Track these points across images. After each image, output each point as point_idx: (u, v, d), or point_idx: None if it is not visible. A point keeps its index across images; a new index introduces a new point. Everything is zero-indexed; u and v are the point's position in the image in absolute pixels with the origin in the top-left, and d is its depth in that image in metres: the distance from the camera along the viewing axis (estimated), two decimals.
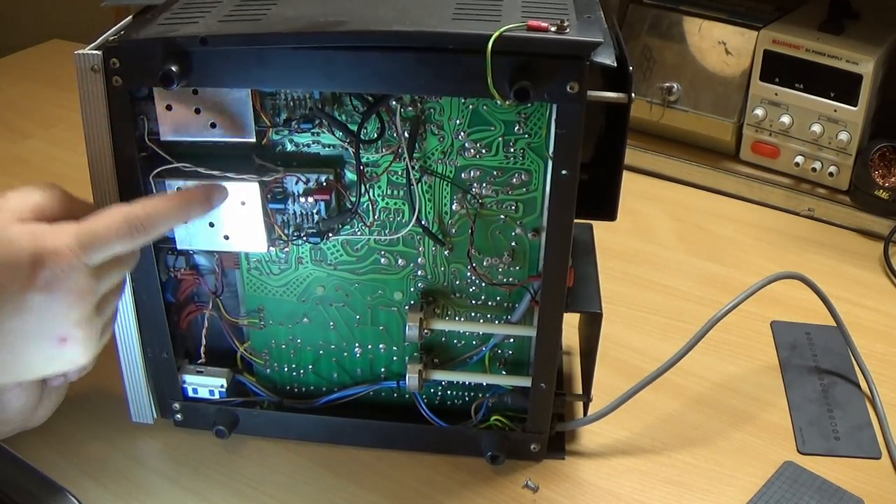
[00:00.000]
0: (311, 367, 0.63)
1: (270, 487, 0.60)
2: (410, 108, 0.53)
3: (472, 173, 0.55)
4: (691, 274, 0.84)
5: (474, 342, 0.61)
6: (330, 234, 0.57)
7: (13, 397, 0.56)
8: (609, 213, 0.57)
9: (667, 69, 0.99)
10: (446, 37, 0.48)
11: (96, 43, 0.51)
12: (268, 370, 0.63)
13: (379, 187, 0.56)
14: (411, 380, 0.59)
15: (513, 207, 0.56)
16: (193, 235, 0.56)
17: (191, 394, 0.63)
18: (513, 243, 0.57)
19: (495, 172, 0.55)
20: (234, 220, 0.56)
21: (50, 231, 0.48)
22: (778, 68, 0.92)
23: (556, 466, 0.62)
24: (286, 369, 0.63)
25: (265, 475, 0.61)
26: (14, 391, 0.56)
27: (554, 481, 0.61)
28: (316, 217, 0.57)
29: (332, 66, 0.49)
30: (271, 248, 0.58)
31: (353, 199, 0.56)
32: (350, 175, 0.56)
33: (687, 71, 0.98)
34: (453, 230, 0.57)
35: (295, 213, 0.56)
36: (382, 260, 0.58)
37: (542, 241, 0.56)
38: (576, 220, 0.53)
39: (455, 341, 0.61)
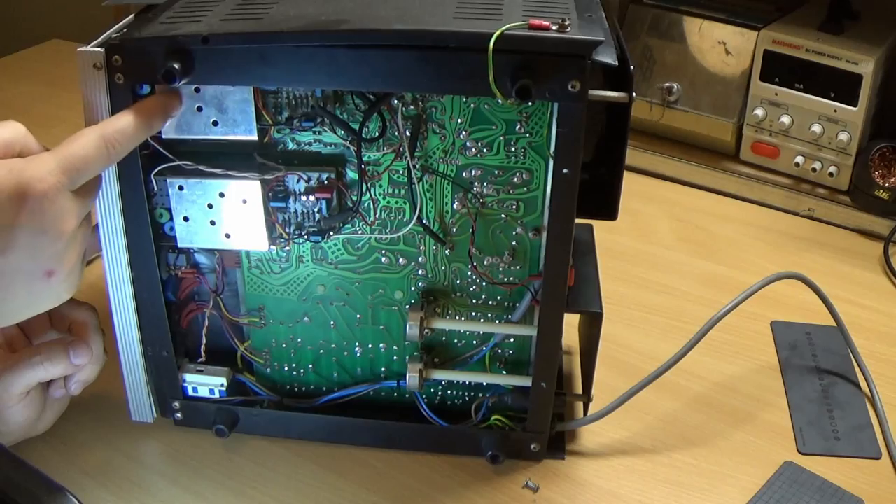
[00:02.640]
0: (311, 366, 0.63)
1: (270, 487, 0.60)
2: (412, 107, 0.53)
3: (473, 172, 0.55)
4: (691, 274, 0.84)
5: (475, 341, 0.61)
6: (331, 233, 0.57)
7: (15, 413, 0.56)
8: (609, 212, 0.57)
9: (667, 69, 0.99)
10: (448, 35, 0.48)
11: (99, 40, 0.51)
12: (268, 369, 0.63)
13: (380, 186, 0.56)
14: (411, 379, 0.59)
15: (514, 206, 0.56)
16: (194, 233, 0.56)
17: (191, 393, 0.63)
18: (514, 242, 0.57)
19: (496, 171, 0.55)
20: (236, 219, 0.56)
21: (26, 162, 0.48)
22: (778, 68, 0.92)
23: (556, 466, 0.62)
24: (286, 368, 0.63)
25: (265, 475, 0.61)
26: (16, 407, 0.56)
27: (554, 481, 0.61)
28: (317, 215, 0.57)
29: (333, 64, 0.49)
30: (272, 247, 0.58)
31: (355, 197, 0.56)
32: (351, 173, 0.56)
33: (687, 71, 0.98)
34: (454, 229, 0.57)
35: (296, 211, 0.56)
36: (383, 259, 0.58)
37: (543, 241, 0.56)
38: (576, 220, 0.53)
39: (455, 341, 0.61)
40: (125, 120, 0.50)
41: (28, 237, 0.47)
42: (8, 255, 0.47)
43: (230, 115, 0.53)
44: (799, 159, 0.94)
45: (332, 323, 0.61)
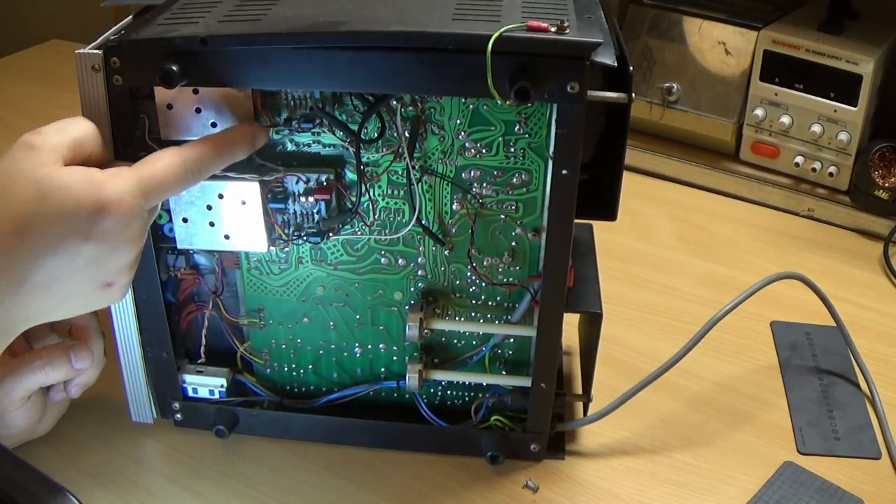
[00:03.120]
0: (311, 366, 0.63)
1: (270, 487, 0.60)
2: (411, 108, 0.53)
3: (472, 173, 0.55)
4: (691, 274, 0.84)
5: (474, 342, 0.61)
6: (330, 234, 0.57)
7: (16, 417, 0.56)
8: (609, 213, 0.57)
9: (667, 69, 0.99)
10: (446, 37, 0.48)
11: (97, 42, 0.51)
12: (268, 370, 0.63)
13: (379, 187, 0.56)
14: (411, 380, 0.59)
15: (513, 207, 0.56)
16: (194, 235, 0.56)
17: (191, 393, 0.63)
18: (513, 243, 0.57)
19: (496, 172, 0.55)
20: (235, 220, 0.56)
21: (107, 178, 0.47)
22: (778, 68, 0.92)
23: (556, 466, 0.62)
24: (286, 369, 0.63)
25: (265, 475, 0.61)
26: (17, 411, 0.56)
27: (554, 481, 0.61)
28: (316, 217, 0.57)
29: (332, 66, 0.49)
30: (271, 248, 0.58)
31: (354, 198, 0.56)
32: (350, 175, 0.56)
33: (687, 71, 0.98)
34: (453, 230, 0.57)
35: (295, 212, 0.56)
36: (383, 260, 0.58)
37: (543, 241, 0.56)
38: (576, 220, 0.53)
39: (455, 341, 0.61)
40: (209, 148, 0.50)
41: (95, 252, 0.47)
42: (72, 265, 0.47)
43: (229, 116, 0.53)
44: (799, 159, 0.94)
45: (331, 323, 0.61)
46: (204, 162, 0.50)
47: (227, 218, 0.56)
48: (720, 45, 0.96)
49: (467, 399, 0.63)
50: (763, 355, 0.73)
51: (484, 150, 0.54)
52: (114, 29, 0.53)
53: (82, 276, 0.48)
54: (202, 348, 0.61)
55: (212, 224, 0.56)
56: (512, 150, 0.54)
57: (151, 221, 0.52)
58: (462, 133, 0.54)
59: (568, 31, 0.47)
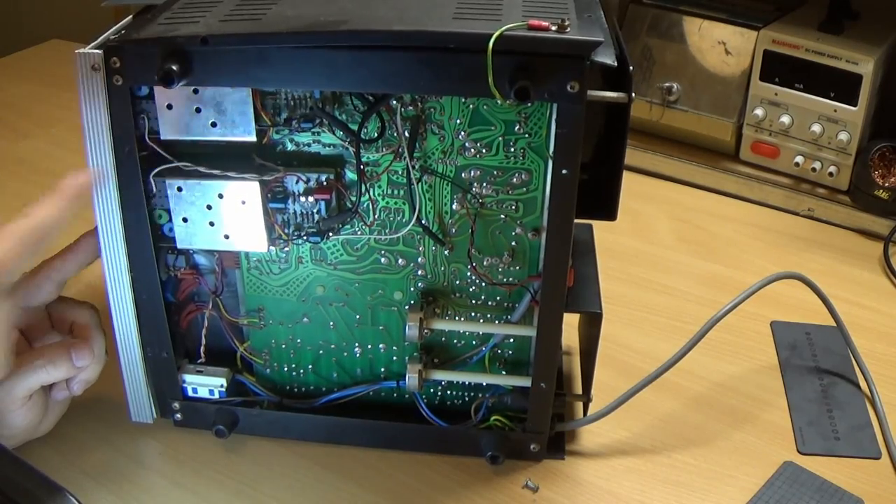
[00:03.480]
0: (310, 366, 0.63)
1: (270, 487, 0.60)
2: (411, 108, 0.53)
3: (472, 173, 0.55)
4: (691, 274, 0.84)
5: (474, 342, 0.61)
6: (330, 234, 0.57)
7: (18, 417, 0.56)
8: (609, 213, 0.57)
9: (667, 69, 0.99)
10: (447, 36, 0.48)
11: (97, 42, 0.51)
12: (268, 370, 0.63)
13: (379, 187, 0.56)
14: (411, 380, 0.59)
15: (513, 207, 0.56)
16: (193, 234, 0.56)
17: (190, 393, 0.63)
18: (513, 243, 0.57)
19: (495, 172, 0.55)
20: (235, 220, 0.56)
21: None
22: (778, 68, 0.92)
23: (556, 466, 0.62)
24: (286, 369, 0.63)
25: (265, 475, 0.61)
26: (19, 411, 0.56)
27: (554, 481, 0.61)
28: (316, 216, 0.57)
29: (332, 65, 0.49)
30: (271, 248, 0.58)
31: (354, 198, 0.56)
32: (350, 174, 0.56)
33: (687, 71, 0.98)
34: (453, 230, 0.57)
35: (295, 212, 0.56)
36: (382, 259, 0.58)
37: (543, 241, 0.56)
38: (576, 220, 0.53)
39: (455, 341, 0.61)
40: (41, 216, 0.51)
41: None
42: None
43: (229, 116, 0.53)
44: (799, 159, 0.94)
45: (331, 323, 0.61)
46: (42, 229, 0.51)
47: (227, 218, 0.56)
48: (720, 45, 0.96)
49: (467, 399, 0.63)
50: (763, 355, 0.73)
51: (484, 150, 0.54)
52: (114, 29, 0.53)
53: None
54: (202, 348, 0.61)
55: (212, 224, 0.56)
56: (512, 149, 0.54)
57: (18, 301, 0.53)
58: (462, 133, 0.54)
59: (569, 29, 0.47)
